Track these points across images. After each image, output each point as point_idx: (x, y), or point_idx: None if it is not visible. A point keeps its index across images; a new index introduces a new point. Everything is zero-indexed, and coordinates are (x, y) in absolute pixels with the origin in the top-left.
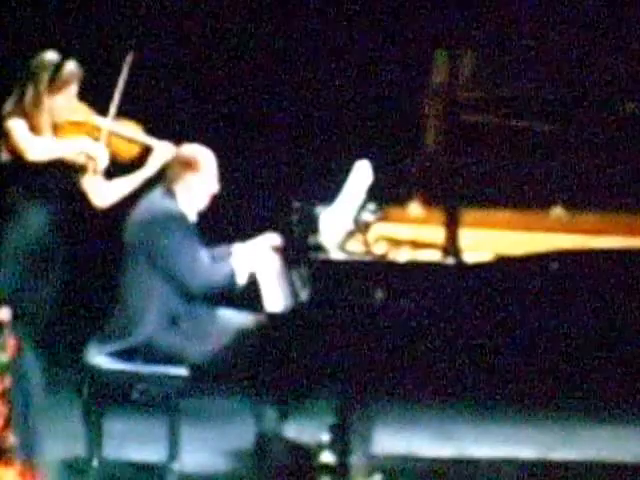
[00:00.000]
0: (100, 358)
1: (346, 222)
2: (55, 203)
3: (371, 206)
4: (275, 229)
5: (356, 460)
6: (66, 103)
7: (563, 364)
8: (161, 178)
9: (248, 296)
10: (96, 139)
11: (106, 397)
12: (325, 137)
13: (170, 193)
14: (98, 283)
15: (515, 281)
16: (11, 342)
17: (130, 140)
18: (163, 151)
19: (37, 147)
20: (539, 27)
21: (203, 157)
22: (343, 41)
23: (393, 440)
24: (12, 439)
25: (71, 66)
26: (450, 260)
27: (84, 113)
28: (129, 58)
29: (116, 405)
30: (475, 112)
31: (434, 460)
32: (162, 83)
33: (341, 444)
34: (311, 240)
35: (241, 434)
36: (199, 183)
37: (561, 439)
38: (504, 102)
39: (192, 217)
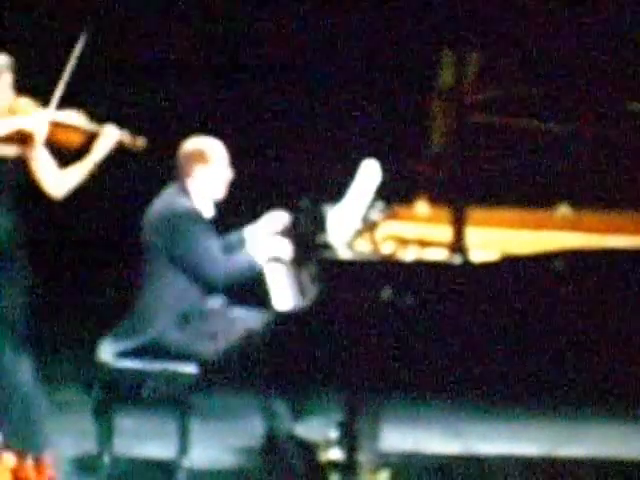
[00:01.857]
0: (111, 356)
1: (354, 221)
2: (8, 200)
3: (379, 205)
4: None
5: (364, 457)
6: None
7: (570, 361)
8: (173, 175)
9: (257, 294)
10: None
11: (117, 394)
12: (333, 136)
13: (183, 189)
14: (111, 281)
15: (521, 279)
16: None
17: (74, 128)
18: (108, 134)
19: None
20: (545, 27)
21: (210, 147)
22: (351, 41)
23: (401, 437)
24: None
25: (0, 58)
26: (457, 259)
27: (24, 105)
28: (80, 42)
29: (127, 402)
30: (482, 112)
31: (441, 457)
32: (168, 81)
33: (349, 441)
34: (319, 239)
35: (250, 431)
36: (210, 174)
37: (567, 436)
38: (510, 102)
39: (208, 210)
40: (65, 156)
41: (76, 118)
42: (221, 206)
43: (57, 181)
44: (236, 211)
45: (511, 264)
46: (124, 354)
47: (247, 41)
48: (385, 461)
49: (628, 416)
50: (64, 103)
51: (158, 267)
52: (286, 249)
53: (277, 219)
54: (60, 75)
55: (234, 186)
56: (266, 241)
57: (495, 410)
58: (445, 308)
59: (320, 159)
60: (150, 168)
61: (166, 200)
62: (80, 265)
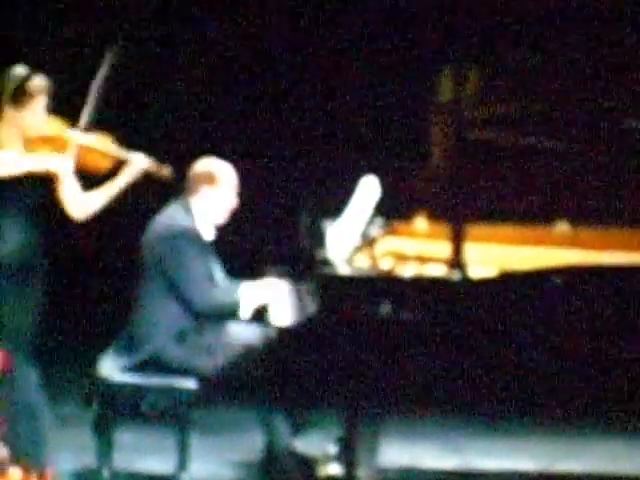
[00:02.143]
0: (111, 371)
1: (354, 237)
2: (31, 216)
3: (378, 221)
4: (283, 243)
5: (363, 472)
6: (33, 117)
7: (567, 377)
8: (179, 192)
9: (256, 309)
10: (66, 153)
11: (116, 409)
12: (332, 152)
13: (186, 207)
14: (112, 298)
15: (520, 296)
16: (0, 356)
17: (102, 153)
18: (137, 162)
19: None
20: (544, 44)
21: (220, 171)
22: (351, 57)
23: (399, 452)
24: (3, 451)
25: (37, 80)
26: (456, 275)
27: (55, 127)
28: (107, 61)
29: (126, 417)
30: (480, 129)
31: (439, 472)
32: (172, 98)
33: (348, 456)
34: (318, 254)
35: (249, 446)
36: (215, 197)
37: (565, 451)
38: (509, 119)
39: (208, 232)
40: (89, 177)
41: (105, 143)
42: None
43: (80, 204)
44: (237, 229)
45: (510, 280)
46: (124, 369)
47: (246, 59)
48: (384, 476)
49: (626, 432)
50: (94, 125)
51: (156, 282)
52: (281, 316)
53: (276, 289)
54: (87, 95)
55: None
56: (258, 291)
57: (493, 425)
58: (444, 324)
59: (320, 175)
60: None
61: (167, 217)
62: (79, 280)
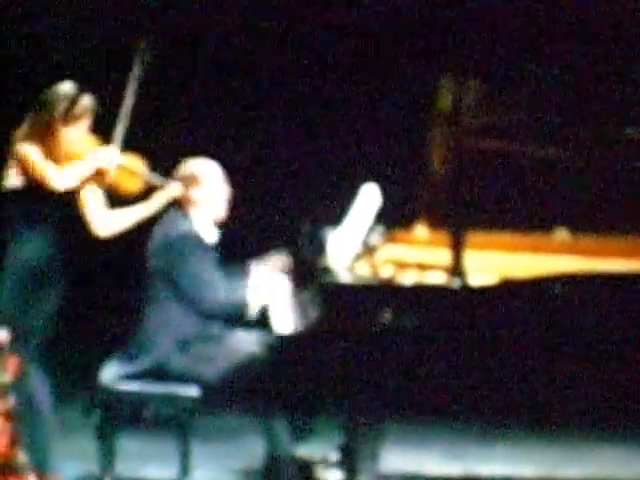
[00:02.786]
0: (114, 379)
1: (354, 245)
2: (53, 228)
3: (378, 229)
4: (283, 251)
5: (364, 479)
6: (78, 136)
7: (567, 384)
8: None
9: (258, 317)
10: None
11: (119, 416)
12: (333, 160)
13: (182, 212)
14: (115, 306)
15: (520, 303)
16: (13, 363)
17: (138, 176)
18: (173, 190)
19: (64, 177)
20: (543, 54)
21: (201, 169)
22: (351, 66)
23: (401, 459)
24: (22, 457)
25: (86, 100)
26: (456, 282)
27: (92, 145)
28: (134, 77)
29: (128, 424)
30: (480, 137)
31: (441, 479)
32: (176, 107)
33: (349, 463)
34: (319, 263)
35: (251, 453)
36: (205, 196)
37: (566, 457)
38: (508, 128)
39: (211, 234)
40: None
41: (140, 166)
42: (223, 231)
43: (105, 221)
44: (238, 236)
45: (509, 288)
46: (126, 377)
47: (251, 66)
48: None
49: (627, 438)
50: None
51: (159, 291)
52: (282, 289)
53: (278, 260)
54: (119, 112)
55: (235, 210)
56: (263, 287)
57: (495, 432)
58: (444, 331)
59: (320, 183)
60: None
61: (167, 224)
62: (82, 288)
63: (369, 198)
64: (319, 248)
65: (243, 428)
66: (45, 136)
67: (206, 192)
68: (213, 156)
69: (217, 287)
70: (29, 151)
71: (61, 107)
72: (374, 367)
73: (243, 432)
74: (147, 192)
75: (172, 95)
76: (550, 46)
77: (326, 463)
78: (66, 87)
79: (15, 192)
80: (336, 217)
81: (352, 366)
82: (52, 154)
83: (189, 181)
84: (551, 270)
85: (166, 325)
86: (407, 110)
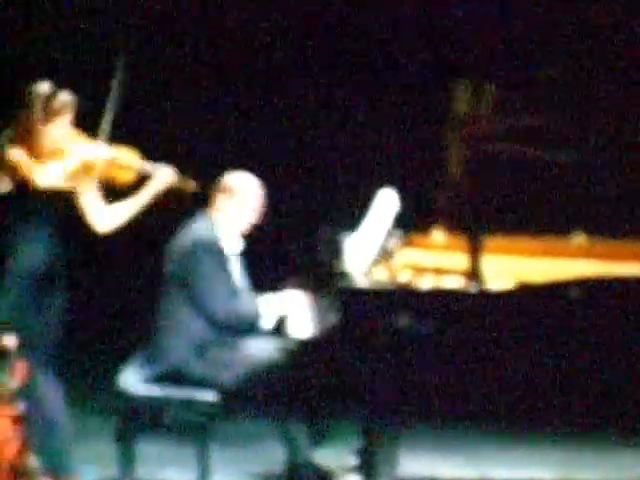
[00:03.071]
0: (132, 383)
1: (372, 249)
2: (53, 229)
3: (396, 233)
4: (301, 256)
5: None
6: (60, 132)
7: (584, 387)
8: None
9: (276, 322)
10: (92, 172)
11: (138, 421)
12: (350, 164)
13: (208, 220)
14: (132, 309)
15: (537, 307)
16: (21, 368)
17: (126, 166)
18: (162, 176)
19: (48, 173)
20: (559, 57)
21: (240, 183)
22: (368, 71)
23: (418, 463)
24: (32, 462)
25: (63, 97)
26: (473, 287)
27: (76, 140)
28: (119, 71)
29: (148, 429)
30: (497, 142)
31: None
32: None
33: (367, 468)
34: (336, 267)
35: (269, 457)
36: (233, 208)
37: (581, 460)
38: (525, 132)
39: (233, 243)
40: (112, 191)
41: (129, 156)
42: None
43: (104, 217)
44: (257, 241)
45: (527, 292)
46: (145, 381)
47: (272, 70)
48: None
49: None
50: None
51: (178, 296)
52: (298, 303)
53: (294, 300)
54: (105, 107)
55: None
56: (279, 303)
57: (510, 435)
58: (461, 336)
59: (338, 187)
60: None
61: (190, 230)
62: (100, 293)
63: (387, 203)
64: (337, 253)
65: (262, 433)
66: (28, 136)
67: (235, 205)
68: (232, 162)
69: (230, 297)
70: (12, 153)
71: (38, 106)
72: (391, 372)
73: (262, 437)
74: (143, 181)
75: (198, 105)
76: (567, 49)
77: (344, 468)
78: (41, 86)
79: (11, 197)
80: (353, 222)
81: (369, 371)
82: (37, 153)
83: (223, 189)
84: (568, 274)
85: (183, 329)
86: (424, 115)
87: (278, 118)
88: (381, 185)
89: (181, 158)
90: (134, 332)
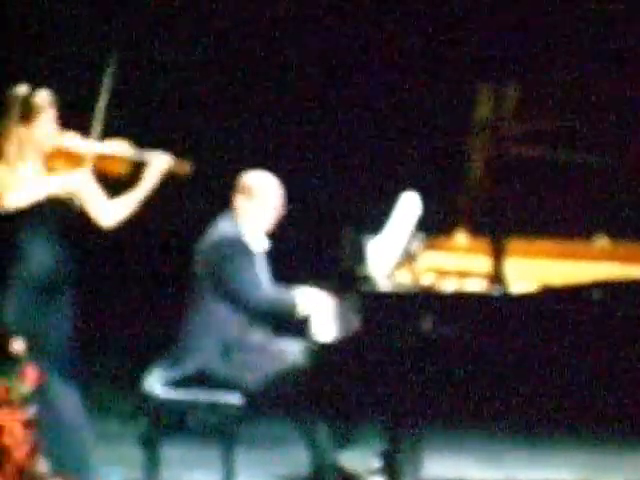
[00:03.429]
0: (158, 386)
1: (395, 253)
2: (57, 234)
3: (419, 236)
4: (324, 259)
5: None
6: (42, 132)
7: (607, 390)
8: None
9: (299, 324)
10: (83, 164)
11: (163, 424)
12: (373, 168)
13: (232, 219)
14: (157, 311)
15: (560, 310)
16: (32, 373)
17: (119, 159)
18: (156, 162)
19: (15, 197)
20: (581, 59)
21: (259, 184)
22: (392, 74)
23: (442, 465)
24: (41, 466)
25: (40, 96)
26: (496, 289)
27: (69, 139)
28: (110, 68)
29: (173, 431)
30: (519, 144)
31: None
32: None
33: (392, 470)
34: (359, 271)
35: (294, 460)
36: (253, 209)
37: (606, 462)
38: (547, 134)
39: (260, 241)
40: (117, 184)
41: (120, 148)
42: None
43: (107, 212)
44: (280, 244)
45: (550, 295)
46: (170, 384)
47: (294, 74)
48: None
49: None
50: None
51: (203, 297)
52: (324, 332)
53: (318, 300)
54: (96, 103)
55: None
56: (310, 294)
57: (536, 438)
58: (484, 339)
59: (361, 191)
60: (195, 198)
61: (216, 229)
62: (125, 295)
63: (409, 206)
64: (360, 256)
65: (287, 435)
66: (9, 141)
67: (254, 205)
68: (254, 163)
69: (262, 286)
70: None
71: (13, 110)
72: (415, 374)
73: (287, 439)
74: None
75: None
76: (589, 52)
77: (369, 470)
78: (19, 88)
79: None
80: (376, 225)
81: (393, 373)
82: (9, 157)
83: (242, 190)
84: (591, 277)
85: (210, 329)
86: (446, 118)
87: (302, 119)
88: (404, 188)
89: (204, 158)
90: (160, 335)
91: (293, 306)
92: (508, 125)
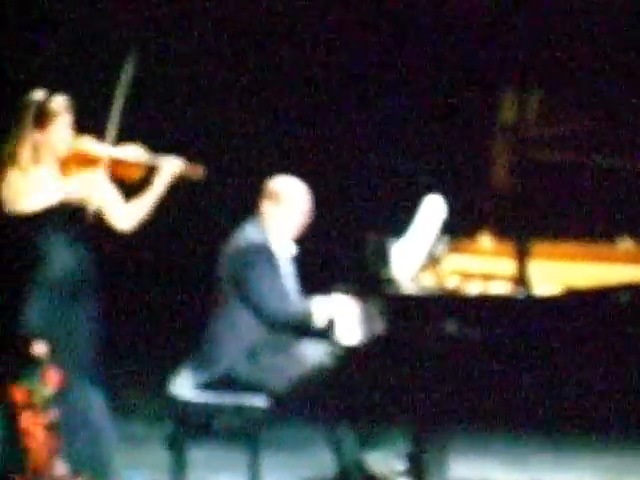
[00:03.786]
0: (184, 389)
1: (419, 256)
2: (82, 238)
3: (443, 239)
4: (349, 263)
5: None
6: (58, 137)
7: (635, 393)
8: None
9: (323, 329)
10: (98, 168)
11: (189, 427)
12: (397, 170)
13: (259, 224)
14: (182, 315)
15: (585, 313)
16: (54, 375)
17: (132, 163)
18: (169, 166)
19: (30, 201)
20: (605, 63)
21: (286, 190)
22: (414, 77)
23: (468, 467)
24: (60, 469)
25: (56, 101)
26: (520, 292)
27: (83, 144)
28: (126, 73)
29: (199, 434)
30: (543, 147)
31: None
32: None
33: (417, 472)
34: (384, 274)
35: (320, 462)
36: (280, 215)
37: (630, 465)
38: (571, 138)
39: (285, 248)
40: (131, 187)
41: (133, 152)
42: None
43: (124, 215)
44: (305, 248)
45: (574, 298)
46: (196, 387)
47: (320, 81)
48: None
49: None
50: (124, 135)
51: (227, 300)
52: (348, 307)
53: (342, 305)
54: (111, 108)
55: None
56: (330, 304)
57: (559, 440)
58: (509, 341)
59: (385, 194)
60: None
61: (242, 234)
62: (151, 298)
63: (433, 209)
64: (384, 259)
65: (312, 438)
66: (16, 147)
67: (282, 211)
68: (278, 169)
69: (282, 296)
70: (5, 178)
71: (28, 115)
72: (440, 377)
73: (312, 442)
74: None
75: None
76: (612, 55)
77: (394, 472)
78: (35, 93)
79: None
80: (401, 228)
81: (418, 376)
82: (22, 163)
83: (269, 196)
84: (614, 279)
85: (234, 333)
86: (470, 121)
87: (327, 122)
88: (428, 191)
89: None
90: (186, 337)
91: (310, 317)
92: (532, 129)
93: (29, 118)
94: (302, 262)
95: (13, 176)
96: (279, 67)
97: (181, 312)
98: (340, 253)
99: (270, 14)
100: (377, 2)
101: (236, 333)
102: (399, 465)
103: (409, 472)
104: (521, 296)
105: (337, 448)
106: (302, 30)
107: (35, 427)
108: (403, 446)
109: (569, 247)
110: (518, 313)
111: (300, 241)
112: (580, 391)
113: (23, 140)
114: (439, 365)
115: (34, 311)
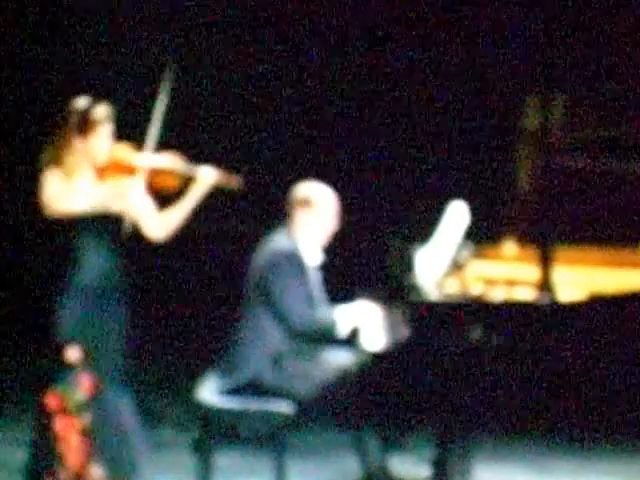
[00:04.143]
0: (210, 395)
1: (443, 262)
2: (109, 242)
3: (468, 245)
4: (373, 269)
5: None
6: (100, 145)
7: None
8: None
9: (348, 336)
10: (136, 177)
11: (215, 432)
12: (422, 177)
13: (288, 232)
14: (208, 321)
15: (609, 318)
16: (87, 380)
17: (169, 172)
18: (204, 176)
19: (69, 204)
20: (630, 69)
21: (317, 195)
22: (438, 86)
23: (492, 473)
24: (95, 472)
25: (99, 109)
26: (545, 298)
27: (123, 152)
28: (165, 80)
29: (225, 439)
30: (567, 154)
31: None
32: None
33: (442, 477)
34: (408, 280)
35: (345, 468)
36: (312, 221)
37: None
38: (595, 145)
39: (314, 255)
40: (165, 197)
41: (171, 162)
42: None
43: (158, 224)
44: (329, 254)
45: (599, 303)
46: (222, 393)
47: (340, 92)
48: None
49: None
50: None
51: (255, 305)
52: (372, 314)
53: (367, 311)
54: (151, 116)
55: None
56: (354, 311)
57: (583, 446)
58: (533, 347)
59: (409, 200)
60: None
61: (271, 242)
62: (180, 305)
63: (457, 215)
64: (408, 266)
65: (337, 443)
66: (63, 153)
67: (314, 218)
68: (302, 175)
69: (309, 305)
70: (46, 177)
71: (73, 121)
72: (464, 383)
73: (337, 447)
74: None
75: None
76: (635, 62)
77: (419, 478)
78: (79, 100)
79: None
80: (425, 235)
81: (443, 382)
82: (73, 170)
83: (300, 202)
84: (638, 285)
85: (260, 339)
86: (495, 128)
87: (349, 130)
88: (452, 198)
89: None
90: (214, 345)
91: (334, 326)
92: (557, 134)
93: (72, 125)
94: (327, 268)
95: (55, 180)
96: (310, 77)
97: (209, 319)
98: (365, 259)
99: (310, 24)
100: (406, 9)
101: (262, 339)
102: (424, 471)
103: (433, 477)
104: (545, 302)
105: (362, 453)
106: (338, 42)
107: (69, 432)
108: (427, 451)
109: (594, 253)
110: (542, 319)
111: (325, 248)
112: (604, 397)
113: (67, 146)
114: (463, 371)
115: (68, 316)
